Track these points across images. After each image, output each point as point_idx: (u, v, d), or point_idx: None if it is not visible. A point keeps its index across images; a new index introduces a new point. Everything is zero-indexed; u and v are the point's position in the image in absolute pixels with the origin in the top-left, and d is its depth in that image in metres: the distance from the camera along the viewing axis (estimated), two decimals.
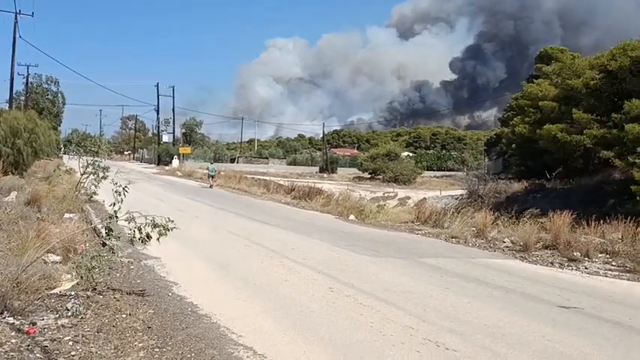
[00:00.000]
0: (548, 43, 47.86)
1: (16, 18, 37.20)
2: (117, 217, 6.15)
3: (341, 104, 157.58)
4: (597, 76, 17.88)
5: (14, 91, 41.69)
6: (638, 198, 13.62)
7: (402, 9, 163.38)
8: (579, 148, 18.85)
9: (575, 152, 19.98)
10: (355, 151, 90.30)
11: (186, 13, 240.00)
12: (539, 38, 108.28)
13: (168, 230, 5.99)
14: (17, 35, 37.24)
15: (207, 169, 34.18)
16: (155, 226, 5.99)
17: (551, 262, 10.15)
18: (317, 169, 65.17)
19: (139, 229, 6.06)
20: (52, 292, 6.10)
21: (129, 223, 6.08)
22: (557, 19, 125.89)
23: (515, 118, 27.60)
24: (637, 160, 14.27)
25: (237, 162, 67.07)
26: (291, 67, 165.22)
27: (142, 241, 6.17)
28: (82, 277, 6.23)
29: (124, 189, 6.36)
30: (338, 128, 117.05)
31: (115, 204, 6.23)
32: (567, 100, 19.84)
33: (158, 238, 6.06)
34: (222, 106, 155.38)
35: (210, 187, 30.55)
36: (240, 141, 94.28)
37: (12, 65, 37.95)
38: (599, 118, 17.74)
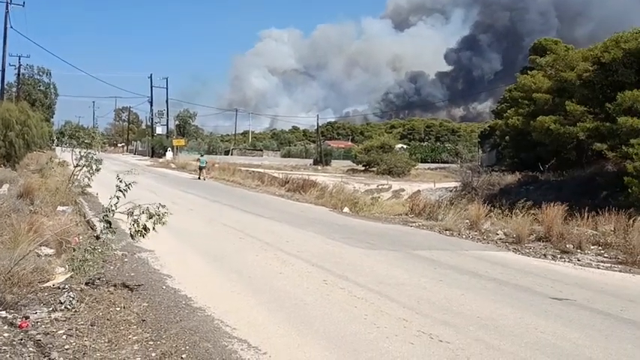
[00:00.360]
0: (543, 35, 47.97)
1: (7, 8, 36.85)
2: (114, 210, 6.11)
3: (336, 96, 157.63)
4: (590, 68, 17.91)
5: (6, 82, 41.36)
6: (630, 190, 13.68)
7: (397, 0, 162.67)
8: (572, 140, 18.93)
9: (569, 144, 20.07)
10: (349, 143, 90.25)
11: (179, 2, 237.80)
12: (535, 29, 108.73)
13: (162, 217, 5.98)
14: (8, 25, 36.87)
15: (199, 160, 34.27)
16: (150, 216, 5.99)
17: (544, 254, 10.21)
18: (311, 161, 65.08)
19: (136, 222, 6.05)
20: (45, 285, 6.07)
21: (128, 217, 6.06)
22: (552, 10, 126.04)
23: (508, 110, 27.71)
24: (630, 150, 14.32)
25: (232, 154, 66.88)
26: (285, 59, 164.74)
27: (141, 235, 6.15)
28: (75, 270, 6.21)
29: (127, 185, 6.29)
30: (333, 120, 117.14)
31: (117, 197, 6.16)
32: (561, 92, 19.89)
33: (154, 227, 6.05)
34: (217, 97, 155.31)
35: (201, 178, 30.66)
36: (234, 133, 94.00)
37: (3, 56, 37.59)
38: (592, 109, 17.80)
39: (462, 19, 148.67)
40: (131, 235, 6.35)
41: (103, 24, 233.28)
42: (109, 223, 6.21)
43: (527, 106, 24.12)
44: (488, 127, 45.13)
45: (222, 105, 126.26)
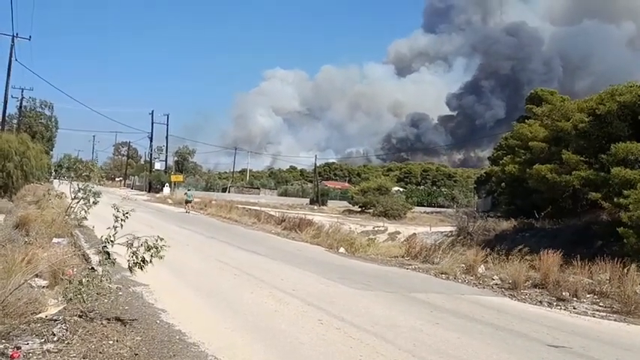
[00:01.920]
0: (546, 84, 48.90)
1: (13, 41, 37.32)
2: (112, 241, 6.12)
3: (339, 136, 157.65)
4: (586, 119, 18.26)
5: (7, 114, 41.68)
6: (625, 240, 13.73)
7: (398, 46, 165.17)
8: (568, 189, 19.11)
9: (564, 192, 20.25)
10: (346, 184, 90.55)
11: (185, 38, 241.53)
12: (536, 79, 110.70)
13: (161, 249, 5.99)
14: (13, 58, 37.33)
15: (185, 194, 36.11)
16: (148, 248, 5.99)
17: (540, 301, 10.17)
18: (308, 200, 65.07)
19: (135, 254, 6.05)
20: (38, 316, 6.02)
21: (127, 249, 6.07)
22: (555, 61, 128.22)
23: (505, 158, 28.01)
24: (622, 201, 14.44)
25: (229, 191, 66.89)
26: (289, 100, 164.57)
27: (140, 267, 6.14)
28: (69, 301, 6.16)
29: (124, 214, 6.34)
30: (334, 160, 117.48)
31: (114, 227, 6.19)
32: (557, 141, 20.20)
33: (151, 260, 6.05)
34: (221, 133, 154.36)
35: (187, 212, 32.13)
36: (232, 170, 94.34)
37: (6, 88, 37.88)
38: (587, 159, 18.04)
39: (464, 68, 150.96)
40: (129, 268, 6.33)
41: (107, 59, 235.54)
42: (108, 254, 6.21)
43: (523, 154, 24.40)
44: (485, 173, 45.43)
45: (228, 141, 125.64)
